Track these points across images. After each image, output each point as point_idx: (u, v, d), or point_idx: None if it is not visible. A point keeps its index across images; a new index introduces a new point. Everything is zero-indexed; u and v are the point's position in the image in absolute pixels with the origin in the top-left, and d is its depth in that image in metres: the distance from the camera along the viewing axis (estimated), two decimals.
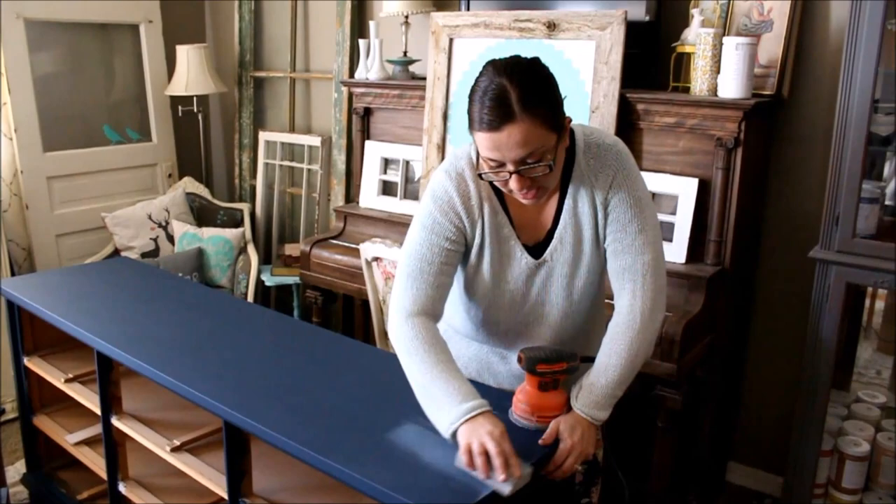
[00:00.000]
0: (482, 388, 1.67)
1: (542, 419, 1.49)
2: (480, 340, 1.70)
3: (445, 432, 1.38)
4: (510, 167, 1.36)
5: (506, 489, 1.30)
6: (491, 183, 1.46)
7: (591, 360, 1.52)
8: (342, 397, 1.65)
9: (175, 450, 1.91)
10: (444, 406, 1.39)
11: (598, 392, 1.47)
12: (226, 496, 1.73)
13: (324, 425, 1.54)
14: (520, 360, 1.51)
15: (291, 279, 3.58)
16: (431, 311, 1.51)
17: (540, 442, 1.44)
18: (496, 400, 1.59)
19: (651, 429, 2.33)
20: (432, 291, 1.50)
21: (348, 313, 3.47)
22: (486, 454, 1.32)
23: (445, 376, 1.41)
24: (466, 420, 1.36)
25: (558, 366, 1.49)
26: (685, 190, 2.38)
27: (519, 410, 1.53)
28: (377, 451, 1.43)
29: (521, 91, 1.30)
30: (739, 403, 2.89)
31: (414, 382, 1.45)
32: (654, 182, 2.39)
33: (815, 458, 2.42)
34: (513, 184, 1.39)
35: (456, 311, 1.70)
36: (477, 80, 1.36)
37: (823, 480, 2.49)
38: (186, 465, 1.87)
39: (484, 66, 1.36)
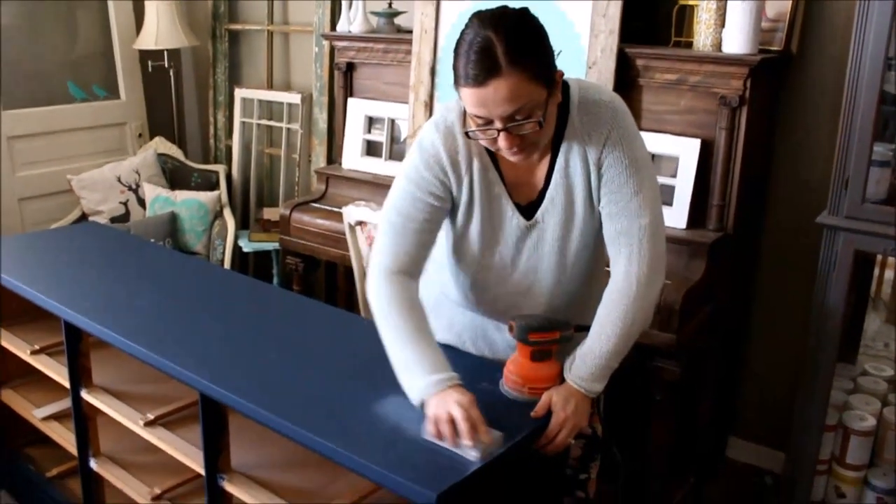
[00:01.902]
0: (475, 360, 1.72)
1: (534, 391, 1.51)
2: (472, 309, 1.71)
3: (415, 401, 1.42)
4: (498, 124, 1.37)
5: (473, 455, 1.33)
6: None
7: (587, 329, 1.53)
8: (325, 369, 1.66)
9: (149, 424, 1.92)
10: (415, 375, 1.43)
11: (592, 363, 1.48)
12: (202, 472, 1.75)
13: (305, 398, 1.55)
14: (511, 328, 1.52)
15: (270, 245, 3.57)
16: (412, 270, 1.53)
17: (532, 414, 1.46)
18: (488, 371, 1.63)
19: (648, 402, 2.36)
20: (414, 250, 1.52)
21: (331, 281, 3.48)
22: (454, 423, 1.35)
23: (419, 345, 1.45)
24: (438, 391, 1.40)
25: (551, 335, 1.50)
26: (686, 151, 2.38)
27: (510, 382, 1.55)
28: (361, 425, 1.45)
29: (507, 43, 1.30)
30: (741, 376, 2.92)
31: (387, 345, 1.48)
32: (654, 143, 2.38)
33: (818, 433, 2.45)
34: (501, 142, 1.39)
35: (446, 278, 1.71)
36: (462, 33, 1.36)
37: (827, 456, 2.53)
38: (161, 440, 1.88)
39: (470, 18, 1.36)
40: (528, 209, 1.56)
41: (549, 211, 1.54)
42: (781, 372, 2.81)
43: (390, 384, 1.48)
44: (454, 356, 1.73)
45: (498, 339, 1.73)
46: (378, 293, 1.51)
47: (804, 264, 2.63)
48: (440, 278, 1.73)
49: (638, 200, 1.47)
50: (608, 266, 1.56)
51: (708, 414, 2.76)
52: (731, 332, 2.77)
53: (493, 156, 1.53)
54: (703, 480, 2.80)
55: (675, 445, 2.57)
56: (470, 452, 1.34)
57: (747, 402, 2.94)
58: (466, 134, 1.43)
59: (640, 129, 1.57)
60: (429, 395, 1.40)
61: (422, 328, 1.48)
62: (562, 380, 1.51)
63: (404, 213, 1.52)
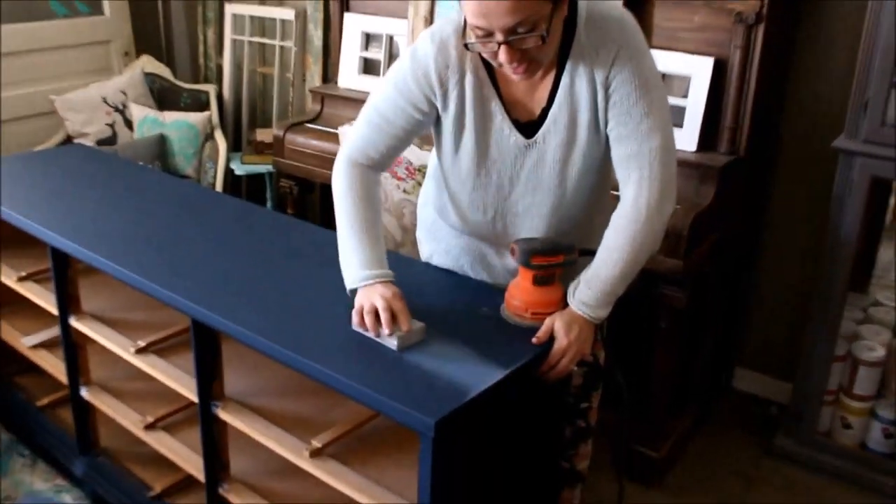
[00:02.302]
0: (474, 284, 1.73)
1: (536, 316, 1.52)
2: (470, 232, 1.71)
3: (347, 289, 1.55)
4: (499, 37, 1.34)
5: (393, 344, 1.44)
6: (480, 54, 1.45)
7: (592, 253, 1.52)
8: (320, 293, 1.67)
9: (140, 351, 1.94)
10: (351, 265, 1.55)
11: (597, 288, 1.48)
12: (196, 400, 1.77)
13: (301, 322, 1.56)
14: (512, 251, 1.52)
15: (264, 167, 3.56)
16: (379, 164, 1.63)
17: (533, 340, 1.47)
18: (488, 296, 1.64)
19: (653, 330, 2.38)
20: (384, 150, 1.61)
21: (326, 204, 3.47)
22: (378, 314, 1.46)
23: (362, 237, 1.55)
24: (366, 285, 1.51)
25: (555, 258, 1.50)
26: (699, 71, 2.35)
27: (512, 307, 1.55)
28: (359, 350, 1.46)
29: None
30: (749, 305, 2.94)
31: (338, 232, 1.60)
32: (665, 61, 2.35)
33: (827, 363, 2.48)
34: (502, 56, 1.37)
35: (442, 201, 1.71)
36: None
37: (835, 387, 2.56)
38: (153, 367, 1.90)
39: None
40: (529, 128, 1.54)
41: (551, 131, 1.52)
42: (790, 301, 2.83)
43: None
44: (453, 281, 1.76)
45: (497, 264, 1.73)
46: (338, 180, 1.62)
47: (818, 190, 2.62)
48: (439, 202, 1.73)
49: (648, 122, 1.45)
50: (616, 190, 1.55)
51: (713, 344, 2.78)
52: (740, 260, 2.78)
53: (492, 72, 1.51)
54: (707, 411, 2.84)
55: (679, 375, 2.60)
56: (390, 342, 1.45)
57: (754, 332, 2.96)
58: (466, 46, 1.40)
59: (651, 46, 1.53)
60: (358, 286, 1.52)
61: (370, 221, 1.58)
62: (565, 305, 1.52)
63: (384, 116, 1.58)
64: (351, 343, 1.48)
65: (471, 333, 1.51)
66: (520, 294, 1.54)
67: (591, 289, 1.49)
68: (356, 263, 1.54)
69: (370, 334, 1.47)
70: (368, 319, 1.47)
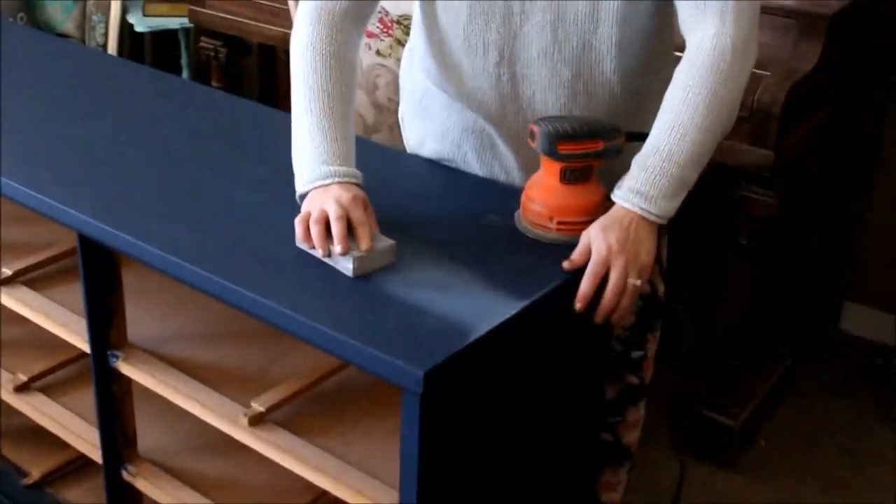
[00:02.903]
0: (479, 182, 1.74)
1: (564, 227, 1.52)
2: (469, 97, 1.71)
3: (297, 194, 1.56)
4: None
5: (347, 267, 1.45)
6: None
7: (644, 137, 1.52)
8: (261, 198, 1.67)
9: (6, 283, 1.94)
10: (307, 160, 1.56)
11: (655, 167, 1.47)
12: (87, 349, 1.77)
13: (233, 238, 1.56)
14: (532, 134, 1.51)
15: (176, 22, 3.53)
16: (356, 15, 1.64)
17: (564, 265, 1.46)
18: (498, 198, 1.65)
19: (730, 251, 2.40)
20: None
21: (268, 72, 3.46)
22: (329, 225, 1.47)
23: (327, 122, 1.56)
24: (319, 186, 1.52)
25: (591, 144, 1.49)
26: None
27: (531, 213, 1.54)
28: (315, 276, 1.47)
29: None
30: (862, 219, 2.96)
31: (293, 112, 1.60)
32: None
33: None
34: None
35: (431, 52, 1.73)
36: None
37: None
38: (25, 304, 1.90)
39: None
40: None
41: None
42: None
43: None
44: (449, 177, 1.76)
45: (511, 152, 1.74)
46: (299, 40, 1.63)
47: None
48: (426, 59, 1.75)
49: None
50: (679, 50, 1.55)
51: (813, 269, 2.79)
52: (853, 154, 2.77)
53: None
54: (801, 364, 2.87)
55: (764, 314, 2.61)
56: (343, 264, 1.45)
57: (871, 255, 2.99)
58: None
59: None
60: (309, 189, 1.53)
61: (339, 100, 1.59)
62: (608, 207, 1.52)
63: None
64: (306, 267, 1.49)
65: (471, 252, 1.52)
66: (541, 195, 1.53)
67: (646, 169, 1.47)
68: (312, 158, 1.55)
69: (317, 253, 1.48)
70: (315, 231, 1.47)
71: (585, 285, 1.44)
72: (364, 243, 1.45)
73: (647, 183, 1.47)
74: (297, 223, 1.50)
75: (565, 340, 1.57)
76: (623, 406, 1.95)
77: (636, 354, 1.91)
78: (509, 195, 1.63)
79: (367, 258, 1.45)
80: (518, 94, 1.65)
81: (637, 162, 1.49)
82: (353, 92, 1.64)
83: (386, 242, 1.49)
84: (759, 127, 2.19)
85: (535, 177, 1.56)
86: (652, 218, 1.47)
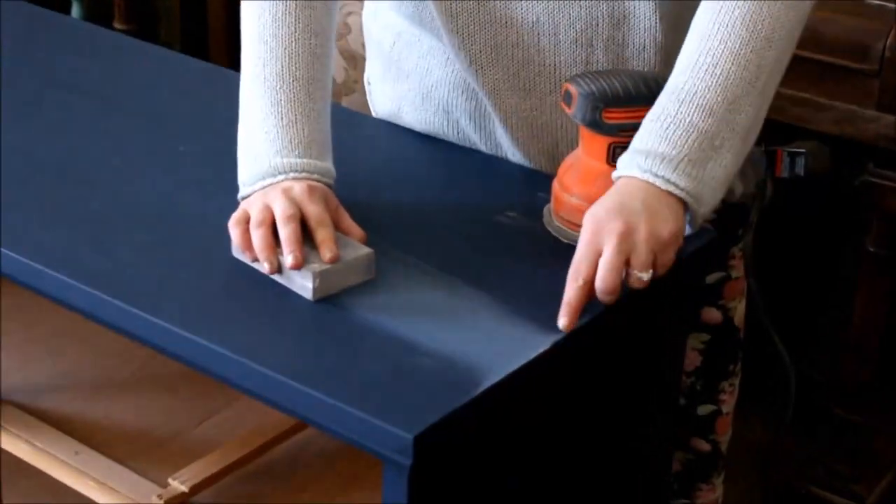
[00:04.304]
0: (478, 159, 1.78)
1: None
2: (465, 58, 1.73)
3: (239, 194, 1.57)
4: None
5: (306, 287, 1.44)
6: None
7: None
8: (188, 191, 1.70)
9: None
10: (253, 150, 1.58)
11: (671, 113, 1.47)
12: None
13: (148, 251, 1.57)
14: (568, 96, 1.52)
15: None
16: None
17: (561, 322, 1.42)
18: (511, 188, 1.67)
19: (854, 260, 2.41)
20: None
21: (195, 9, 3.49)
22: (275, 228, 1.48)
23: (285, 94, 1.58)
24: (270, 184, 1.53)
25: (647, 110, 1.51)
26: None
27: (565, 208, 1.56)
28: (258, 302, 1.48)
29: None
30: None
31: (242, 80, 1.64)
32: None
33: None
34: None
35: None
36: None
37: None
38: None
39: None
40: None
41: None
42: None
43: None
44: (448, 157, 1.80)
45: (518, 119, 1.75)
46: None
47: None
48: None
49: None
50: None
51: None
52: None
53: None
54: None
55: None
56: (300, 282, 1.45)
57: None
58: None
59: None
60: (256, 188, 1.54)
61: (311, 61, 1.61)
62: None
63: None
64: (247, 288, 1.50)
65: (480, 264, 1.54)
66: (580, 184, 1.54)
67: (657, 119, 1.47)
68: (261, 147, 1.57)
69: (263, 268, 1.48)
70: (258, 237, 1.48)
71: (569, 287, 1.41)
72: (327, 252, 1.45)
73: (657, 137, 1.46)
74: (232, 226, 1.50)
75: (611, 390, 1.59)
76: (691, 484, 1.97)
77: (705, 410, 1.93)
78: (534, 182, 1.66)
79: (332, 273, 1.45)
80: (528, 65, 1.69)
81: (648, 119, 1.49)
82: (327, 50, 1.66)
83: (359, 251, 1.49)
84: (894, 85, 2.22)
85: (572, 158, 1.58)
86: (666, 187, 1.45)
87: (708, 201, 1.47)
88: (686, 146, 1.45)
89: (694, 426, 1.93)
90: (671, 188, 1.43)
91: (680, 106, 1.46)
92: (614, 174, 1.48)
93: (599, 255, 1.39)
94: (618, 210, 1.41)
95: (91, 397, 1.80)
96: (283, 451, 1.69)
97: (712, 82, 1.46)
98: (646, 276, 1.39)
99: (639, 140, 1.47)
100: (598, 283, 1.38)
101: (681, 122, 1.45)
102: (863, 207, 2.30)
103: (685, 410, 1.91)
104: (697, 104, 1.46)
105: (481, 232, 1.60)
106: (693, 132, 1.45)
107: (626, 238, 1.39)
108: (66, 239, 1.58)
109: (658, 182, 1.43)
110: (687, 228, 1.48)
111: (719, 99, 1.46)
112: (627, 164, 1.46)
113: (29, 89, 1.97)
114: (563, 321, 1.38)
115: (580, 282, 1.39)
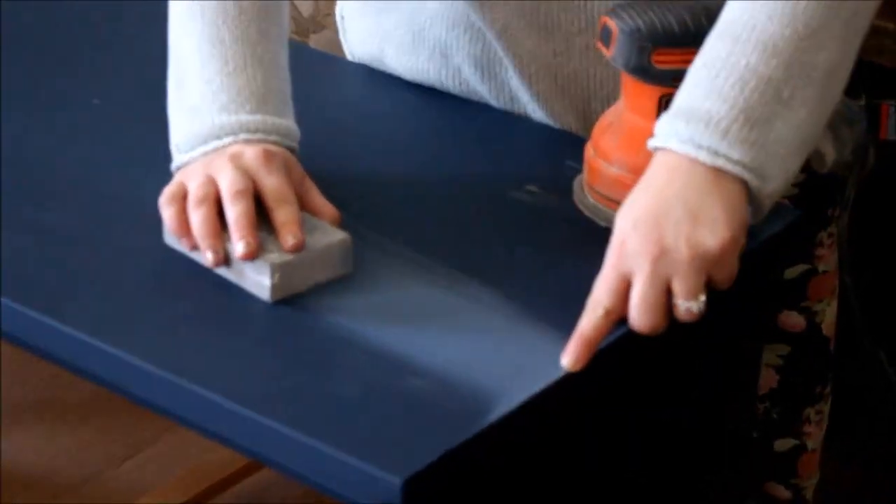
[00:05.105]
0: (484, 116, 1.76)
1: None
2: None
3: (172, 165, 1.58)
4: None
5: (262, 284, 1.43)
6: None
7: None
8: (108, 153, 1.69)
9: None
10: (189, 104, 1.59)
11: (718, 64, 1.44)
12: None
13: (56, 234, 1.57)
14: (607, 34, 1.50)
15: None
16: None
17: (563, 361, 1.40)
18: (542, 150, 1.66)
19: None
20: None
21: None
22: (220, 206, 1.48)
23: (229, 32, 1.60)
24: (212, 150, 1.53)
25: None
26: None
27: (601, 181, 1.54)
28: (200, 304, 1.47)
29: None
30: None
31: (171, 19, 1.67)
32: None
33: None
34: None
35: None
36: None
37: None
38: None
39: None
40: None
41: None
42: None
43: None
44: (449, 111, 1.78)
45: (542, 70, 1.74)
46: None
47: None
48: None
49: None
50: None
51: None
52: None
53: None
54: None
55: None
56: (255, 278, 1.44)
57: None
58: None
59: None
60: (191, 156, 1.55)
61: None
62: None
63: None
64: (186, 286, 1.49)
65: (489, 252, 1.54)
66: (622, 149, 1.52)
67: (703, 67, 1.45)
68: (201, 101, 1.58)
69: (204, 259, 1.47)
70: (197, 219, 1.47)
71: (586, 316, 1.38)
72: (290, 238, 1.44)
73: (702, 91, 1.44)
74: (165, 204, 1.50)
75: (658, 421, 1.58)
76: None
77: (785, 445, 1.93)
78: (561, 147, 1.64)
79: (296, 266, 1.45)
80: None
81: (685, 85, 1.46)
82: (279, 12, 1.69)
83: (332, 237, 1.48)
84: None
85: (611, 115, 1.56)
86: (714, 161, 1.41)
87: (776, 176, 1.43)
88: (742, 100, 1.41)
89: (770, 467, 1.92)
90: (721, 163, 1.39)
91: (734, 45, 1.43)
92: (650, 143, 1.44)
93: (628, 281, 1.37)
94: (649, 218, 1.38)
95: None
96: (232, 499, 1.66)
97: (776, 11, 1.43)
98: (695, 305, 1.35)
99: (680, 96, 1.44)
100: (633, 324, 1.36)
101: (734, 66, 1.42)
102: None
103: (759, 446, 1.90)
104: (756, 41, 1.43)
105: (491, 212, 1.59)
106: (752, 80, 1.42)
107: (660, 260, 1.36)
108: None
109: (703, 156, 1.39)
110: (750, 218, 1.44)
111: (787, 32, 1.43)
112: (665, 131, 1.42)
113: None
114: (567, 359, 1.35)
115: (600, 311, 1.36)
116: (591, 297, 1.37)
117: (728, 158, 1.38)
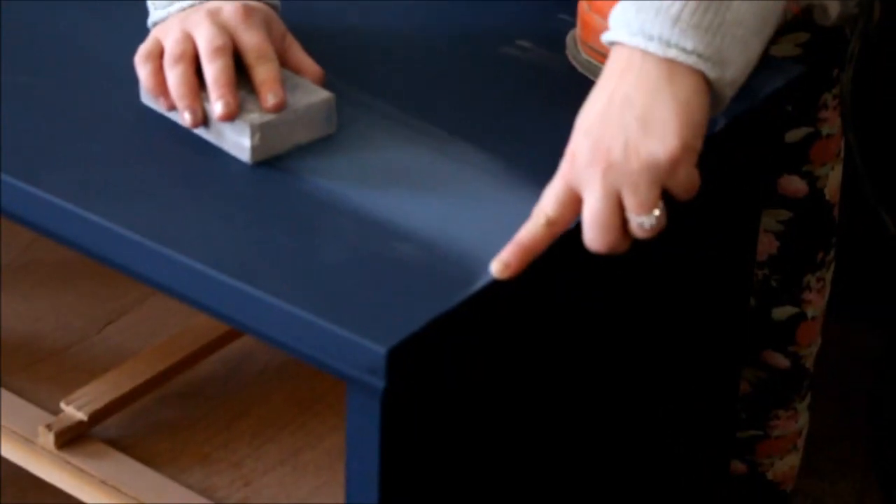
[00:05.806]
0: None
1: None
2: None
3: (148, 22, 1.57)
4: None
5: (242, 145, 1.44)
6: None
7: None
8: (63, 8, 1.68)
9: None
10: None
11: None
12: None
13: (27, 94, 1.57)
14: None
15: None
16: None
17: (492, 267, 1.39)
18: (535, 4, 1.62)
19: None
20: None
21: None
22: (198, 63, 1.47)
23: None
24: (189, 5, 1.53)
25: None
26: None
27: (597, 37, 1.48)
28: (177, 166, 1.47)
29: None
30: None
31: None
32: None
33: None
34: None
35: None
36: None
37: None
38: None
39: None
40: None
41: None
42: None
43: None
44: None
45: None
46: None
47: None
48: None
49: None
50: None
51: None
52: None
53: None
54: None
55: None
56: (234, 139, 1.44)
57: None
58: None
59: None
60: (168, 11, 1.54)
61: None
62: None
63: None
64: (162, 148, 1.49)
65: (479, 111, 1.54)
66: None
67: None
68: None
69: (182, 119, 1.46)
70: (174, 76, 1.46)
71: (528, 223, 1.34)
72: (271, 96, 1.44)
73: None
74: (140, 62, 1.49)
75: (653, 289, 1.58)
76: (765, 410, 1.98)
77: (784, 313, 1.93)
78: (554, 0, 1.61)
79: (277, 126, 1.45)
80: None
81: None
82: None
83: (315, 96, 1.48)
84: None
85: None
86: (665, 53, 1.34)
87: (735, 59, 1.37)
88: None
89: (768, 335, 1.93)
90: (674, 54, 1.33)
91: None
92: (603, 38, 1.39)
93: (576, 193, 1.32)
94: (598, 125, 1.33)
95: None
96: (211, 368, 1.68)
97: None
98: (646, 221, 1.30)
99: None
100: (587, 243, 1.32)
101: None
102: None
103: (756, 314, 1.90)
104: None
105: (481, 67, 1.57)
106: None
107: (609, 173, 1.32)
108: None
109: (654, 48, 1.33)
110: (711, 109, 1.39)
111: None
112: (617, 21, 1.36)
113: None
114: (496, 265, 1.30)
115: (542, 220, 1.32)
116: (538, 204, 1.33)
117: (681, 49, 1.32)
